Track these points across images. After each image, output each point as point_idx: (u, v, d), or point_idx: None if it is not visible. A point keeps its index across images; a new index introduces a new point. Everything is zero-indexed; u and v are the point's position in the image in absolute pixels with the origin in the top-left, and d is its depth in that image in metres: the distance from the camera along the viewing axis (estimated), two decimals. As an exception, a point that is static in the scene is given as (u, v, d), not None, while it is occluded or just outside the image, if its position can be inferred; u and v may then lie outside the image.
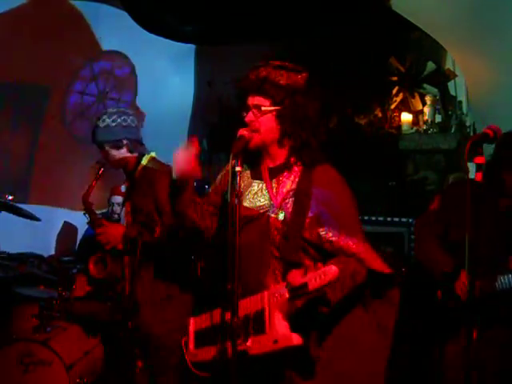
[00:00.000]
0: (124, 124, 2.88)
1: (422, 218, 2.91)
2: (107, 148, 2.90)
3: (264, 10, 5.13)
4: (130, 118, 2.92)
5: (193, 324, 2.15)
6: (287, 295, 1.80)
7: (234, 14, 5.29)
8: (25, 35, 5.20)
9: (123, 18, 5.58)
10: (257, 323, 1.85)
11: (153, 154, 3.01)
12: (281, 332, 1.80)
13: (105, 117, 2.88)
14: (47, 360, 3.10)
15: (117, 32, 6.03)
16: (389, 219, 5.32)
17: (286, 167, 2.06)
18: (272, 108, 1.98)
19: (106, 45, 6.14)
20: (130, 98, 6.56)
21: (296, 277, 1.79)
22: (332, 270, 1.72)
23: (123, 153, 2.91)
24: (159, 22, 5.73)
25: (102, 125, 2.87)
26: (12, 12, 5.03)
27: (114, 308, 3.43)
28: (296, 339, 1.78)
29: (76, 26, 5.65)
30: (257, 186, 2.09)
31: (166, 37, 5.95)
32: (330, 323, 2.00)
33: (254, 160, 2.11)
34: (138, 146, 2.96)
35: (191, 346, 2.12)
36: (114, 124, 2.85)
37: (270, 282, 1.96)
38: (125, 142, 2.88)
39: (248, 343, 1.84)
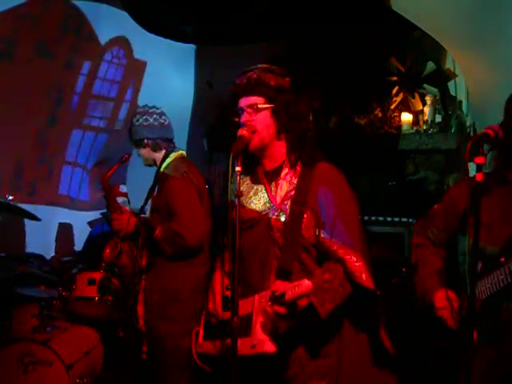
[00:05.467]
0: (145, 124, 2.98)
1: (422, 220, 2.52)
2: (135, 147, 3.05)
3: (264, 9, 5.13)
4: (153, 117, 3.01)
5: (204, 315, 2.18)
6: (269, 302, 1.82)
7: (234, 13, 5.29)
8: (25, 35, 5.20)
9: (123, 18, 5.58)
10: (244, 325, 1.87)
11: (181, 153, 3.05)
12: (259, 337, 1.82)
13: (133, 120, 3.03)
14: (47, 360, 3.10)
15: (117, 32, 6.03)
16: (389, 219, 5.33)
17: (284, 168, 2.08)
18: (267, 105, 2.02)
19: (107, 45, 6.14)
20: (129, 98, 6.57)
21: (280, 286, 1.83)
22: (305, 283, 1.76)
23: (146, 152, 3.01)
24: (159, 22, 5.73)
25: (134, 124, 3.01)
26: (12, 12, 5.02)
27: (114, 307, 3.44)
28: (269, 346, 1.80)
29: (76, 26, 5.64)
30: (256, 189, 2.11)
31: (166, 37, 5.95)
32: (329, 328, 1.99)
33: (252, 164, 2.13)
34: (161, 144, 3.01)
35: (200, 337, 2.15)
36: (137, 123, 2.99)
37: (271, 284, 1.95)
38: (145, 141, 2.97)
39: None
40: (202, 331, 2.17)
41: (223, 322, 2.03)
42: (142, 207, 3.06)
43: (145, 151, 3.01)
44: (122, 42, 6.21)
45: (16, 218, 5.29)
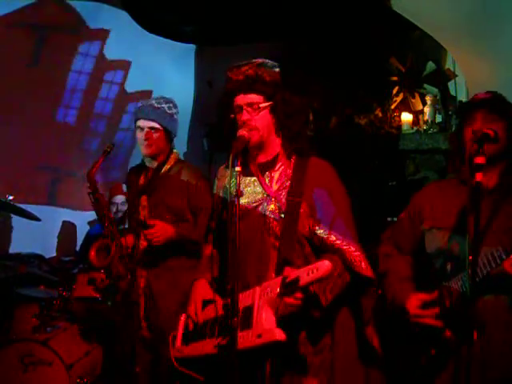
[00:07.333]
0: (175, 117, 3.00)
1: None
2: (147, 128, 2.93)
3: (264, 9, 5.13)
4: (176, 109, 3.02)
5: (183, 320, 2.15)
6: (278, 290, 1.78)
7: (234, 13, 5.29)
8: (25, 36, 5.20)
9: (123, 18, 5.58)
10: (245, 319, 1.84)
11: (177, 152, 3.08)
12: (266, 327, 1.77)
13: (154, 100, 2.97)
14: (47, 360, 3.10)
15: (117, 32, 6.03)
16: (389, 219, 5.32)
17: (279, 160, 2.08)
18: (267, 104, 2.02)
19: (106, 45, 6.14)
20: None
21: (291, 272, 1.78)
22: (325, 264, 1.67)
23: (165, 139, 2.97)
24: (159, 22, 5.73)
25: (149, 103, 2.95)
26: (13, 13, 5.03)
27: (114, 308, 3.44)
28: (279, 334, 1.74)
29: (76, 26, 5.65)
30: (248, 181, 2.10)
31: (166, 37, 5.95)
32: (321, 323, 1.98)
33: (242, 158, 2.12)
34: (172, 138, 3.04)
35: (178, 341, 2.12)
36: (169, 111, 2.96)
37: (272, 275, 1.94)
38: (163, 127, 2.95)
39: None
40: (179, 336, 2.13)
41: (208, 321, 2.00)
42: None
43: (163, 138, 2.96)
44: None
45: (15, 217, 5.28)
